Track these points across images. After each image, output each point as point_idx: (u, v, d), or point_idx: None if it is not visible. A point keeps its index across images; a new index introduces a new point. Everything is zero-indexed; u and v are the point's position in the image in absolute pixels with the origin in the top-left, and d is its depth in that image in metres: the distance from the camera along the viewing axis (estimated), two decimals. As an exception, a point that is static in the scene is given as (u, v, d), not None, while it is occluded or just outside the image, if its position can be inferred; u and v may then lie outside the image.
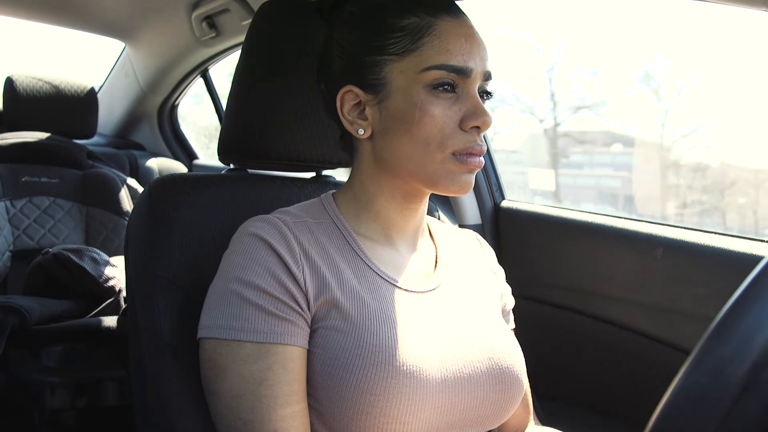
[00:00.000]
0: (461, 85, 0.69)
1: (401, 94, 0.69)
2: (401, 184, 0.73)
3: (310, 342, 0.67)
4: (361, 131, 0.72)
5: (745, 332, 0.42)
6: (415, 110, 0.68)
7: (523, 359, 0.77)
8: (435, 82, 0.68)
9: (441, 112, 0.68)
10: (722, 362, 0.42)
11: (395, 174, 0.73)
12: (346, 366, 0.64)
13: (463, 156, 0.69)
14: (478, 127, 0.69)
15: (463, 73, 0.68)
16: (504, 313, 0.86)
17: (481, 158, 0.70)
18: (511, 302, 0.88)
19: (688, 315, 1.09)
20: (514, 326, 0.88)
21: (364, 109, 0.72)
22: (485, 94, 0.72)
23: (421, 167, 0.70)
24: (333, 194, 0.79)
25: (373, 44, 0.70)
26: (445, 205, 1.52)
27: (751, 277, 0.45)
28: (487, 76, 0.71)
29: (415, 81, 0.68)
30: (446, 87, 0.68)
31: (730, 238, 1.08)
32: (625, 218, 1.25)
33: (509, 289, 0.89)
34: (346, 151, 0.80)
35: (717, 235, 1.10)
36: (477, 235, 0.91)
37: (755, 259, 1.01)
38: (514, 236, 1.45)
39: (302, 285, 0.67)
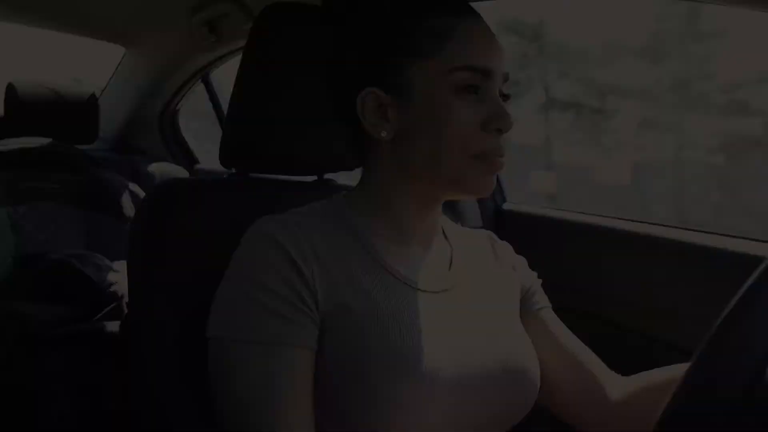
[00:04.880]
0: (484, 87, 0.69)
1: (425, 95, 0.69)
2: (420, 187, 0.73)
3: (319, 342, 0.66)
4: (384, 134, 0.71)
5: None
6: (440, 112, 0.68)
7: (538, 361, 0.76)
8: (460, 84, 0.67)
9: (465, 114, 0.68)
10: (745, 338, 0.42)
11: (416, 176, 0.72)
12: (356, 366, 0.63)
13: (485, 158, 0.69)
14: (499, 129, 0.69)
15: (487, 74, 0.68)
16: (530, 295, 0.85)
17: (502, 160, 0.70)
18: (536, 283, 0.87)
19: (689, 316, 1.09)
20: (550, 304, 0.87)
21: (386, 111, 0.71)
22: (503, 96, 0.72)
23: (444, 169, 0.69)
24: (344, 195, 0.78)
25: (396, 45, 0.69)
26: (446, 206, 1.51)
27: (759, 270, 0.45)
28: (506, 78, 0.71)
29: (440, 83, 0.68)
30: (470, 89, 0.68)
31: (730, 238, 1.08)
32: (626, 219, 1.25)
33: (534, 273, 0.88)
34: (356, 153, 0.78)
35: (717, 235, 1.10)
36: (491, 233, 0.91)
37: (755, 260, 1.00)
38: (515, 238, 1.43)
39: (312, 286, 0.66)
